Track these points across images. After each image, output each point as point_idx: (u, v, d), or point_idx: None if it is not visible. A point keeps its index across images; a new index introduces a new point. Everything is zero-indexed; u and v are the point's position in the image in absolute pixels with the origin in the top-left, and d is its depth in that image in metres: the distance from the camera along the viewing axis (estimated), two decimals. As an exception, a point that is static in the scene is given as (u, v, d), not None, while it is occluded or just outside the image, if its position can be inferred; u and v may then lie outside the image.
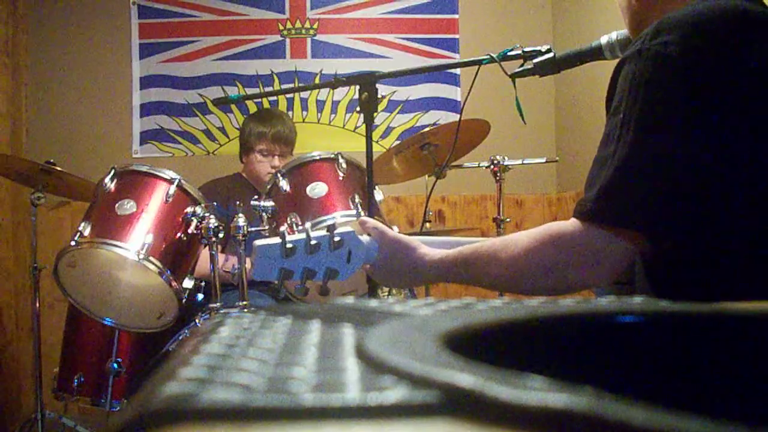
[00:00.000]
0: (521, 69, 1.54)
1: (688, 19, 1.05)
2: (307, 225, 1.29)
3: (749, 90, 1.03)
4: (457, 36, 3.94)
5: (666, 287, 1.14)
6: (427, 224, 2.81)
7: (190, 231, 2.12)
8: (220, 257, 2.20)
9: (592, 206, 1.06)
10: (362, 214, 2.04)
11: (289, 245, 1.18)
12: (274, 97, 3.85)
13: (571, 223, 1.09)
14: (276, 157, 2.83)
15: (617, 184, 1.05)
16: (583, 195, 1.11)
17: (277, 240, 1.19)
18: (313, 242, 1.19)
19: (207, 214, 2.10)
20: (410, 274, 1.27)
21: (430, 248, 1.26)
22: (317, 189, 2.11)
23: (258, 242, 1.19)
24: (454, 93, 3.93)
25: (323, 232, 1.21)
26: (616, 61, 1.52)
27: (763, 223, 1.05)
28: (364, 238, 1.26)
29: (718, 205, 1.05)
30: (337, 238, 1.20)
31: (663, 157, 1.03)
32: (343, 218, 2.05)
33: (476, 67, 1.65)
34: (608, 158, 1.06)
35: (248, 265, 2.18)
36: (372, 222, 1.30)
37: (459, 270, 1.20)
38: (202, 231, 2.08)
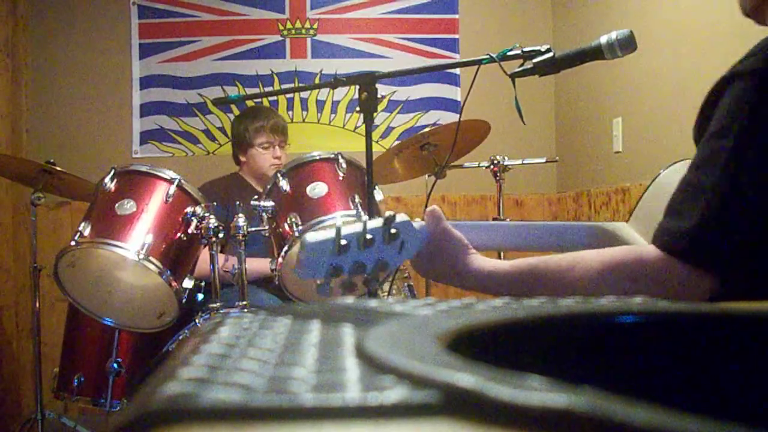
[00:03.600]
0: (521, 69, 1.54)
1: None
2: (365, 217, 1.17)
3: None
4: (457, 36, 3.94)
5: None
6: (427, 224, 2.80)
7: (190, 231, 2.12)
8: (220, 257, 2.20)
9: (686, 243, 0.94)
10: (362, 214, 2.04)
11: (342, 242, 1.07)
12: (274, 97, 3.85)
13: (655, 254, 0.98)
14: (276, 147, 2.88)
15: (719, 222, 0.92)
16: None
17: (328, 235, 1.07)
18: (368, 236, 1.09)
19: (207, 214, 2.10)
20: (452, 276, 1.15)
21: (479, 257, 1.14)
22: (317, 189, 2.11)
23: (309, 237, 1.07)
24: (454, 93, 3.93)
25: (379, 224, 1.11)
26: (617, 61, 1.53)
27: None
28: (417, 223, 1.16)
29: None
30: (393, 230, 1.10)
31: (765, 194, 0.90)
32: (343, 218, 2.05)
33: (476, 67, 1.65)
34: (708, 189, 0.93)
35: (248, 264, 2.18)
36: (432, 207, 1.18)
37: (513, 286, 1.08)
38: (202, 231, 2.08)
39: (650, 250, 0.99)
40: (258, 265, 2.54)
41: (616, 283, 1.00)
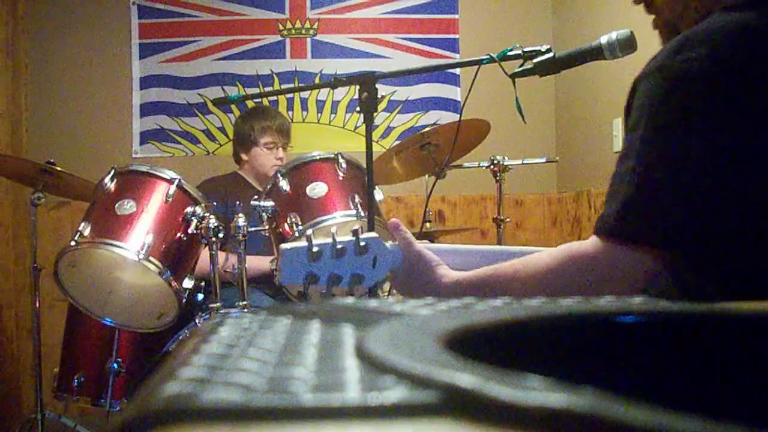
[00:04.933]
0: (521, 69, 1.54)
1: (713, 34, 1.02)
2: (333, 229, 1.29)
3: None
4: (457, 36, 3.94)
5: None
6: (427, 224, 2.81)
7: (190, 231, 2.12)
8: (220, 256, 2.21)
9: (614, 223, 1.04)
10: (362, 214, 2.04)
11: (315, 249, 1.18)
12: (274, 97, 3.85)
13: (592, 243, 1.07)
14: (280, 148, 2.89)
15: (639, 200, 1.02)
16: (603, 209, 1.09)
17: (303, 244, 1.19)
18: (338, 246, 1.19)
19: (207, 214, 2.10)
20: (427, 292, 1.24)
21: (448, 270, 1.25)
22: (317, 189, 2.11)
23: (284, 246, 1.20)
24: (454, 93, 3.93)
25: (349, 237, 1.21)
26: (617, 61, 1.53)
27: None
28: (389, 244, 1.26)
29: (745, 222, 1.02)
30: (362, 243, 1.20)
31: (686, 173, 1.01)
32: (343, 218, 2.05)
33: (476, 67, 1.65)
34: (627, 174, 1.03)
35: (249, 264, 2.18)
36: (403, 230, 1.28)
37: (477, 291, 1.17)
38: (202, 231, 2.08)
39: (589, 240, 1.08)
40: (258, 262, 2.54)
41: (562, 277, 1.09)
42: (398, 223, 1.29)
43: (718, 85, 1.00)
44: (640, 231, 1.03)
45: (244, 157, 2.96)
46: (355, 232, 1.21)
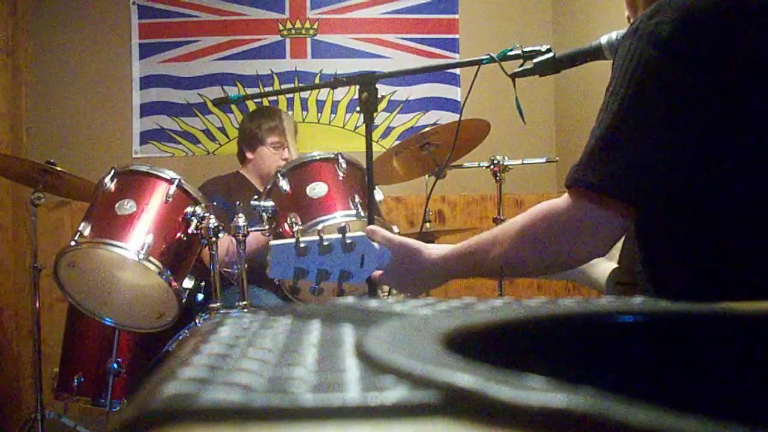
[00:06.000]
0: (521, 69, 1.54)
1: (684, 1, 1.08)
2: (320, 226, 1.34)
3: (738, 74, 1.04)
4: (457, 36, 3.94)
5: (660, 269, 1.14)
6: (427, 224, 2.81)
7: (190, 231, 2.12)
8: (221, 247, 2.19)
9: (577, 173, 1.09)
10: (362, 214, 2.04)
11: (302, 244, 1.24)
12: (274, 97, 3.85)
13: (563, 196, 1.13)
14: (286, 149, 2.89)
15: (600, 152, 1.08)
16: None
17: (291, 240, 1.25)
18: (325, 243, 1.24)
19: (207, 214, 2.10)
20: (419, 276, 1.29)
21: (433, 248, 1.29)
22: (317, 189, 2.11)
23: (273, 242, 1.26)
24: (454, 93, 3.93)
25: (336, 235, 1.26)
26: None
27: (748, 202, 1.07)
28: (376, 244, 1.31)
29: (702, 180, 1.07)
30: (348, 240, 1.26)
31: (644, 129, 1.06)
32: (343, 218, 2.05)
33: (476, 67, 1.65)
34: (595, 128, 1.09)
35: (247, 265, 2.18)
36: (379, 230, 1.32)
37: (464, 260, 1.23)
38: (202, 231, 2.08)
39: (561, 197, 1.13)
40: (258, 239, 2.47)
41: (536, 233, 1.14)
42: (372, 228, 1.34)
43: (683, 49, 1.06)
44: (600, 180, 1.07)
45: (249, 156, 2.96)
46: (341, 230, 1.27)
